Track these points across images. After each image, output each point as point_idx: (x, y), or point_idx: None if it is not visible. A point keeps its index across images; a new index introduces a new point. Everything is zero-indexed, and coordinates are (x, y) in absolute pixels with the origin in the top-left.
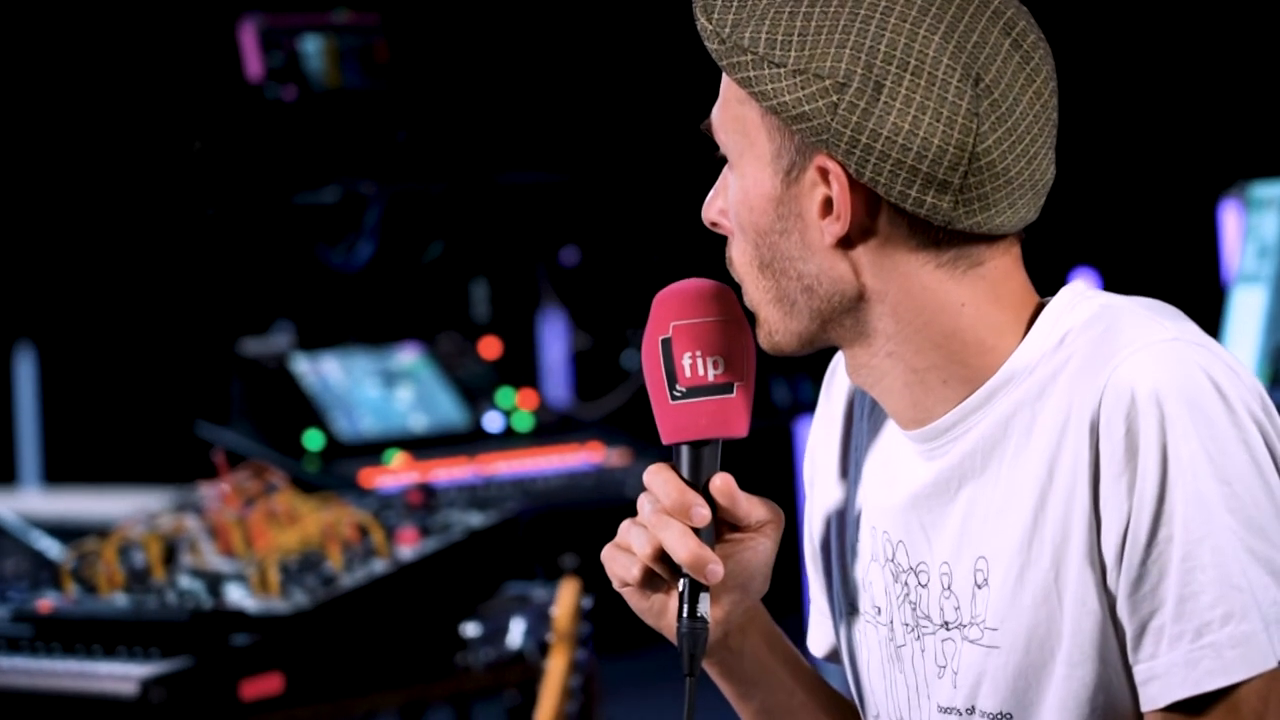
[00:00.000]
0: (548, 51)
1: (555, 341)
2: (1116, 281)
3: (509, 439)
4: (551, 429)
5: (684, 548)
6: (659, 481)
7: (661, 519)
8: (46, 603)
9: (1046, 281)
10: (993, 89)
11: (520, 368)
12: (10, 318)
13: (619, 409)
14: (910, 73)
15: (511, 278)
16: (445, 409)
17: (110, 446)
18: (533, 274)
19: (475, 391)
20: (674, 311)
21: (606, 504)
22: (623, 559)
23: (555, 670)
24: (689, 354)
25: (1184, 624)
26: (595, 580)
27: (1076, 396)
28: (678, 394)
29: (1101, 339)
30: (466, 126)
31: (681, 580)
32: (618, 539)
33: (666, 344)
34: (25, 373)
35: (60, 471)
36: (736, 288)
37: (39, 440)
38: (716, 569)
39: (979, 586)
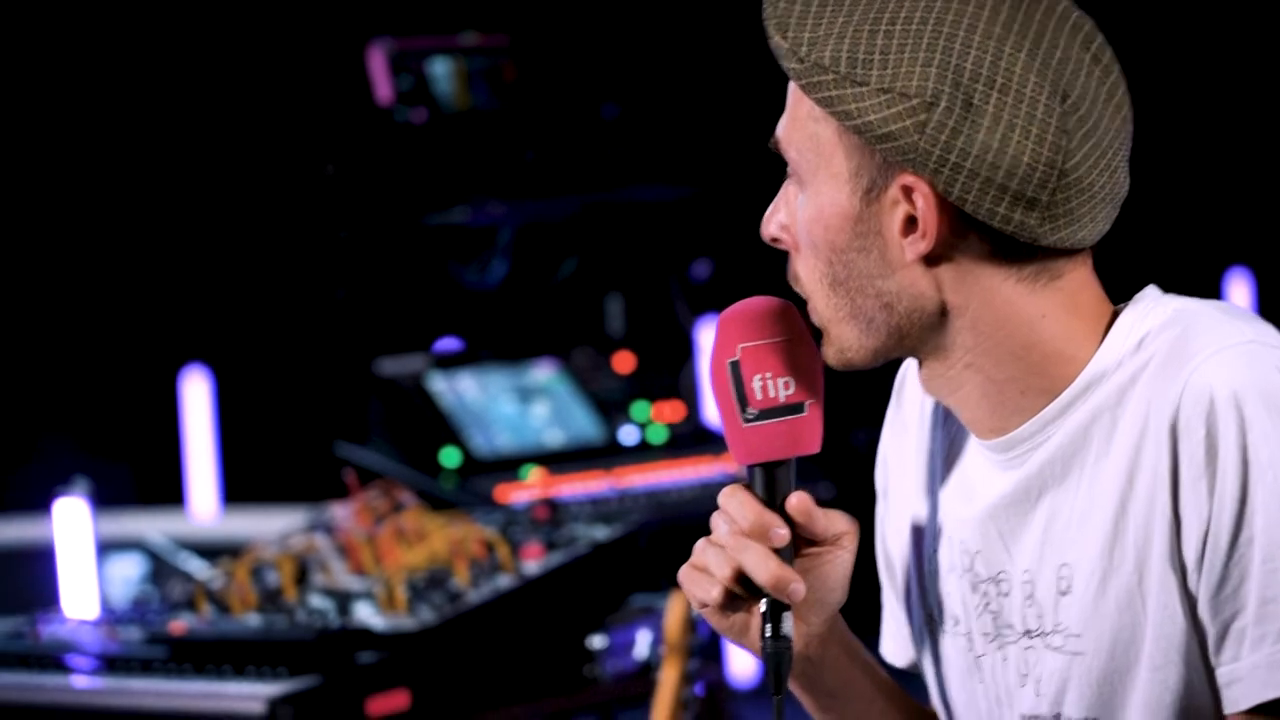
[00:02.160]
0: (674, 65)
1: (689, 354)
2: (1272, 281)
3: (643, 452)
4: (686, 441)
5: (764, 569)
6: (735, 503)
7: (740, 541)
8: (180, 624)
9: (1210, 283)
10: (1079, 105)
11: (654, 381)
12: (179, 342)
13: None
14: (998, 90)
15: (645, 292)
16: (580, 424)
17: (268, 466)
18: (666, 288)
19: (610, 406)
20: (740, 333)
21: None
22: (702, 580)
23: (667, 682)
24: (759, 376)
25: (1266, 626)
26: None
27: (1155, 400)
28: (750, 416)
29: (1178, 342)
30: (595, 143)
31: (763, 600)
32: (694, 560)
33: (735, 366)
34: (195, 394)
35: (228, 493)
36: (799, 301)
37: (213, 461)
38: (798, 588)
39: (1062, 594)
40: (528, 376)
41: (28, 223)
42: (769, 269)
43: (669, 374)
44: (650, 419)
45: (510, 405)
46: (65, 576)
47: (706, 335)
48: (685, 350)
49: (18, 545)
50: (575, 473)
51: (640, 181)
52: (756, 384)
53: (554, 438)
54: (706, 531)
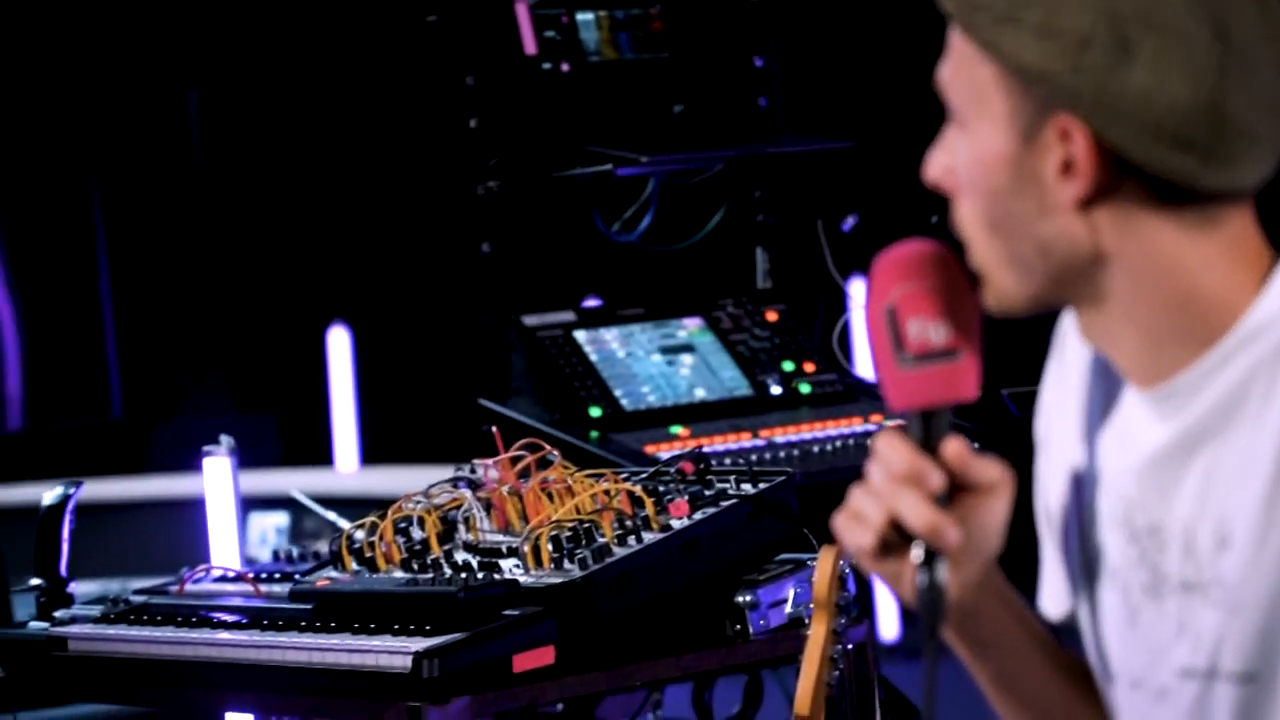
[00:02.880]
0: (825, 17)
1: (837, 308)
2: None
3: (790, 407)
4: (833, 396)
5: (919, 516)
6: (890, 449)
7: (895, 487)
8: (325, 580)
9: None
10: (1238, 45)
11: (802, 336)
12: (323, 299)
13: None
14: (1156, 30)
15: (793, 246)
16: (727, 378)
17: (410, 422)
18: (815, 242)
19: (757, 360)
20: (898, 277)
21: None
22: (856, 527)
23: (815, 637)
24: (916, 320)
25: None
26: None
27: None
28: (906, 361)
29: None
30: (744, 95)
31: (917, 547)
32: (849, 507)
33: (892, 311)
34: (339, 352)
35: (370, 450)
36: (959, 248)
37: (354, 419)
38: (953, 534)
39: (1220, 547)
40: (673, 331)
41: (175, 184)
42: (918, 223)
43: (817, 328)
44: (797, 373)
45: (656, 360)
46: (212, 532)
47: (855, 289)
48: (834, 304)
49: (166, 500)
50: (721, 428)
51: (790, 134)
52: (913, 328)
53: (700, 393)
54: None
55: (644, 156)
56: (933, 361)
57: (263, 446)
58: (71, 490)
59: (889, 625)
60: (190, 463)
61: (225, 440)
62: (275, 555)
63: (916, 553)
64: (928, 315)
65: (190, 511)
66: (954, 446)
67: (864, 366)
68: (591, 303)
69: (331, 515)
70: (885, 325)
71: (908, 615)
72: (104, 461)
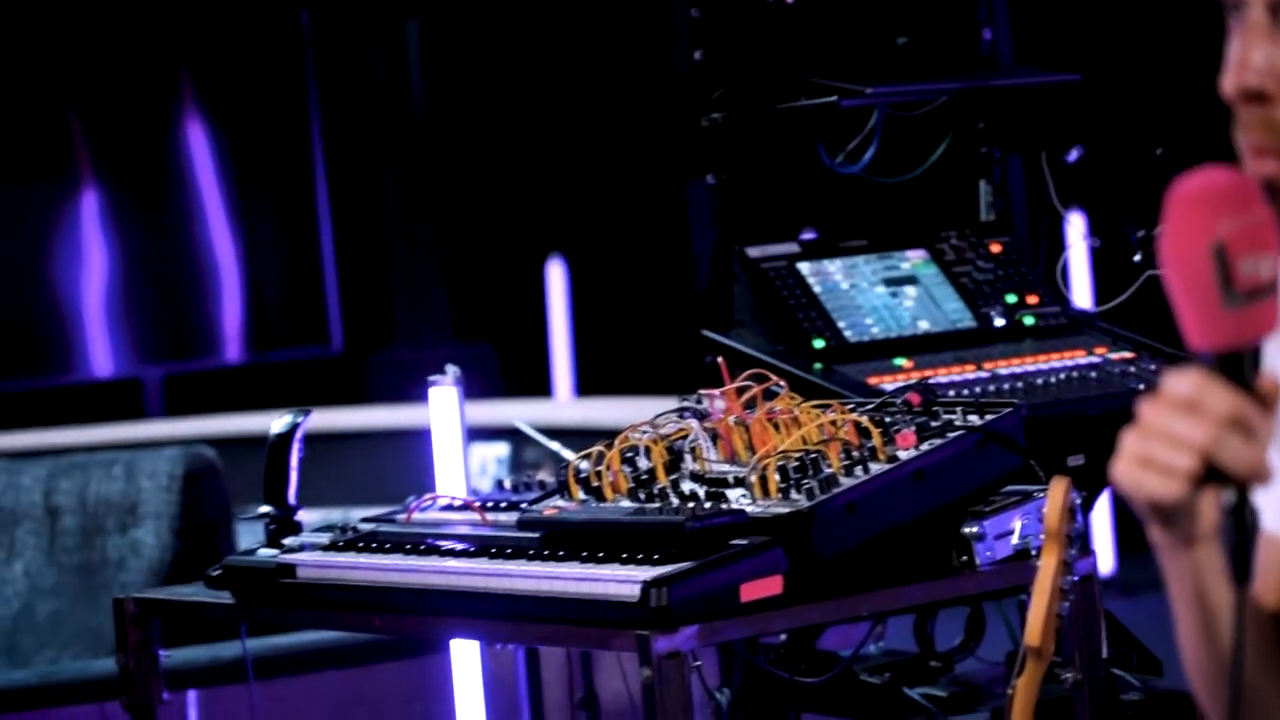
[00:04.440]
0: None
1: (1060, 241)
2: None
3: (1013, 339)
4: (1056, 329)
5: (1245, 459)
6: (1207, 391)
7: (1216, 430)
8: (552, 509)
9: None
10: None
11: (1025, 269)
12: (541, 233)
13: (1123, 307)
14: None
15: (1016, 179)
16: (950, 311)
17: (630, 353)
18: (1038, 174)
19: (980, 293)
20: (1222, 211)
21: (1108, 403)
22: (1154, 474)
23: (1046, 569)
24: (1248, 257)
25: None
26: (1090, 479)
27: None
28: (1235, 300)
29: None
30: (967, 27)
31: (1226, 489)
32: (1137, 452)
33: (1222, 248)
34: (557, 286)
35: (586, 381)
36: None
37: (570, 351)
38: (1270, 474)
39: None
40: (897, 263)
41: (394, 117)
42: (1143, 155)
43: (1040, 261)
44: (1020, 305)
45: (879, 292)
46: (438, 461)
47: (1076, 223)
48: (1057, 237)
49: (385, 431)
50: (944, 360)
51: (1014, 66)
52: (1245, 265)
53: (923, 324)
54: (1080, 420)
55: (868, 88)
56: (1260, 298)
57: (481, 378)
58: (300, 419)
59: (1104, 559)
60: (407, 393)
61: (451, 370)
62: (499, 485)
63: (1228, 495)
64: (1260, 251)
65: (408, 441)
66: (1271, 384)
67: (1085, 299)
68: (808, 235)
69: (555, 445)
70: (1210, 263)
71: (1123, 549)
72: (322, 392)
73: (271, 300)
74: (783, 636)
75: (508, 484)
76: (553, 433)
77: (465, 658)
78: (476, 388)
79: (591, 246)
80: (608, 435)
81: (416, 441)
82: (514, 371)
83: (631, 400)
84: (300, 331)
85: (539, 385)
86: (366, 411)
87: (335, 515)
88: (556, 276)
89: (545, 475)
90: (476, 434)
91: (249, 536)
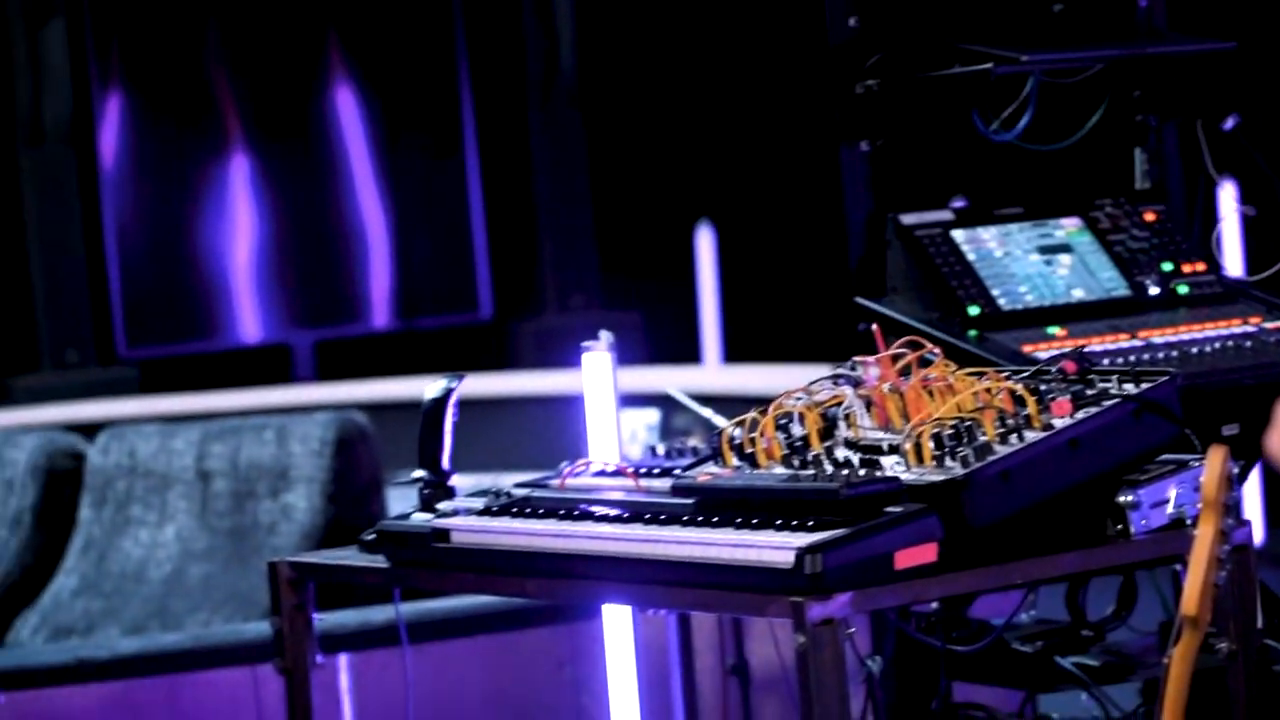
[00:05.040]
0: None
1: (1217, 210)
2: None
3: (1168, 308)
4: (1211, 297)
5: None
6: None
7: None
8: (706, 475)
9: None
10: None
11: (1180, 237)
12: (690, 200)
13: (1277, 276)
14: None
15: (1171, 146)
16: (1105, 279)
17: (777, 322)
18: (1193, 141)
19: (1135, 261)
20: None
21: (1264, 373)
22: None
23: (1204, 537)
24: None
25: None
26: (1245, 448)
27: None
28: None
29: None
30: None
31: None
32: None
33: None
34: (706, 252)
35: (735, 348)
36: None
37: (719, 318)
38: None
39: None
40: (1051, 231)
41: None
42: None
43: (1195, 229)
44: (1175, 274)
45: (1034, 260)
46: (590, 427)
47: (1231, 191)
48: (1211, 206)
49: (534, 397)
50: (1099, 329)
51: (1170, 34)
52: None
53: (1078, 293)
54: (1235, 389)
55: (1024, 55)
56: None
57: (629, 345)
58: (453, 384)
59: (1255, 530)
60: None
61: (604, 336)
62: (651, 451)
63: None
64: None
65: (558, 407)
66: None
67: (1239, 268)
68: (959, 203)
69: (707, 412)
70: None
71: (1273, 520)
72: (470, 359)
73: (421, 266)
74: (934, 604)
75: (660, 450)
76: (701, 399)
77: (617, 623)
78: (625, 354)
79: (741, 213)
80: (756, 402)
81: (566, 407)
82: (662, 338)
83: (780, 367)
84: (449, 298)
85: (687, 352)
86: (517, 377)
87: (485, 480)
88: (705, 243)
89: (697, 442)
90: (626, 400)
91: (399, 501)
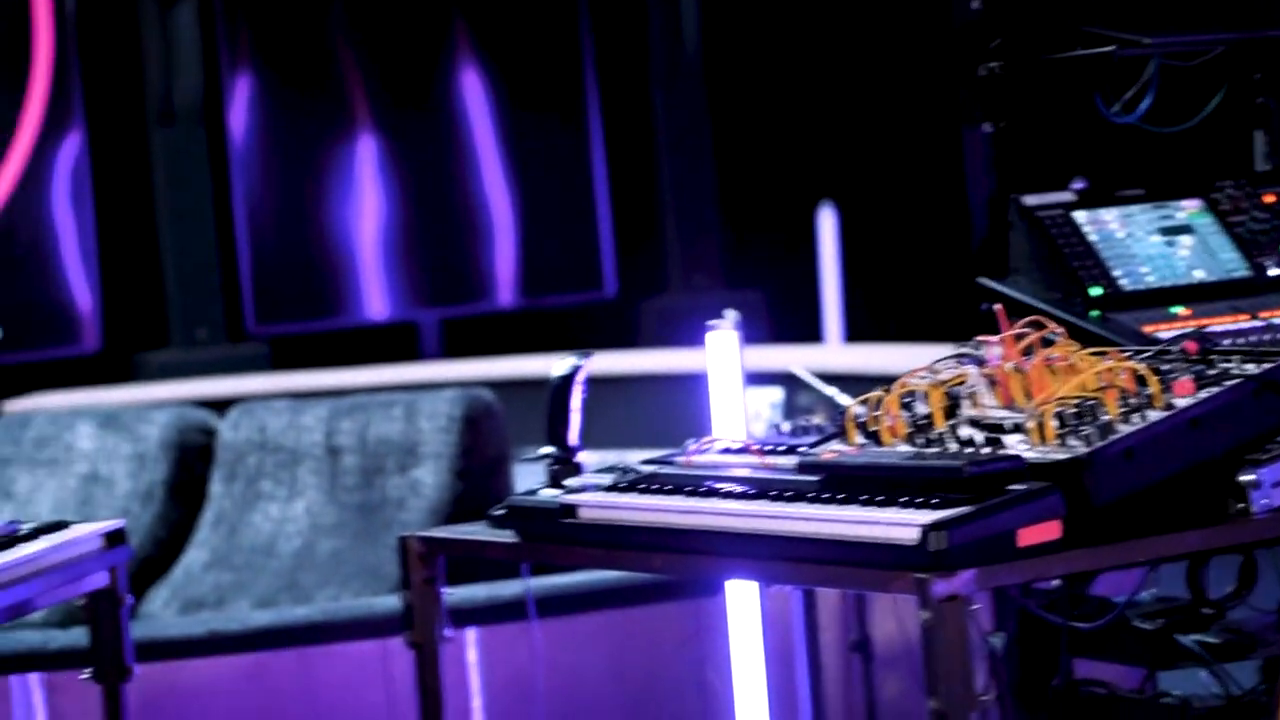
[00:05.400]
0: None
1: None
2: None
3: None
4: None
5: None
6: None
7: None
8: (832, 453)
9: None
10: None
11: None
12: (812, 180)
13: None
14: None
15: None
16: (1225, 260)
17: (897, 302)
18: None
19: (1255, 243)
20: None
21: None
22: None
23: None
24: None
25: None
26: None
27: None
28: None
29: None
30: None
31: None
32: None
33: None
34: (828, 232)
35: (856, 328)
36: None
37: (841, 297)
38: None
39: None
40: (1172, 212)
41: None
42: None
43: None
44: None
45: (1155, 241)
46: (715, 405)
47: None
48: None
49: (657, 375)
50: (1220, 310)
51: None
52: None
53: (1199, 274)
54: None
55: (1146, 38)
56: None
57: (753, 323)
58: (581, 361)
59: None
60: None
61: (729, 314)
62: (776, 429)
63: None
64: None
65: (682, 385)
66: None
67: None
68: (1080, 185)
69: (831, 390)
70: None
71: None
72: (594, 337)
73: (545, 245)
74: (1056, 581)
75: (785, 428)
76: (823, 378)
77: (743, 599)
78: (748, 333)
79: (864, 193)
80: (878, 381)
81: (689, 386)
82: (784, 317)
83: (901, 347)
84: (574, 276)
85: (809, 331)
86: (642, 355)
87: (611, 457)
88: (828, 223)
89: (821, 420)
90: (750, 378)
91: (525, 478)
